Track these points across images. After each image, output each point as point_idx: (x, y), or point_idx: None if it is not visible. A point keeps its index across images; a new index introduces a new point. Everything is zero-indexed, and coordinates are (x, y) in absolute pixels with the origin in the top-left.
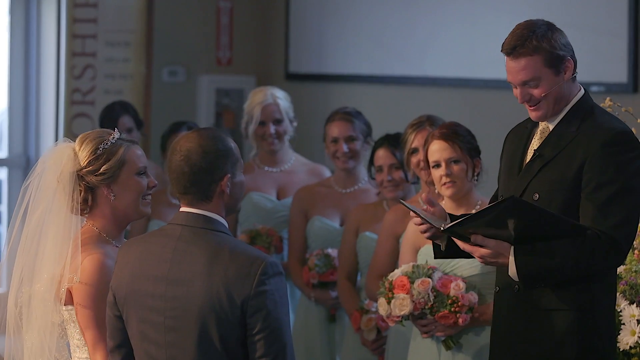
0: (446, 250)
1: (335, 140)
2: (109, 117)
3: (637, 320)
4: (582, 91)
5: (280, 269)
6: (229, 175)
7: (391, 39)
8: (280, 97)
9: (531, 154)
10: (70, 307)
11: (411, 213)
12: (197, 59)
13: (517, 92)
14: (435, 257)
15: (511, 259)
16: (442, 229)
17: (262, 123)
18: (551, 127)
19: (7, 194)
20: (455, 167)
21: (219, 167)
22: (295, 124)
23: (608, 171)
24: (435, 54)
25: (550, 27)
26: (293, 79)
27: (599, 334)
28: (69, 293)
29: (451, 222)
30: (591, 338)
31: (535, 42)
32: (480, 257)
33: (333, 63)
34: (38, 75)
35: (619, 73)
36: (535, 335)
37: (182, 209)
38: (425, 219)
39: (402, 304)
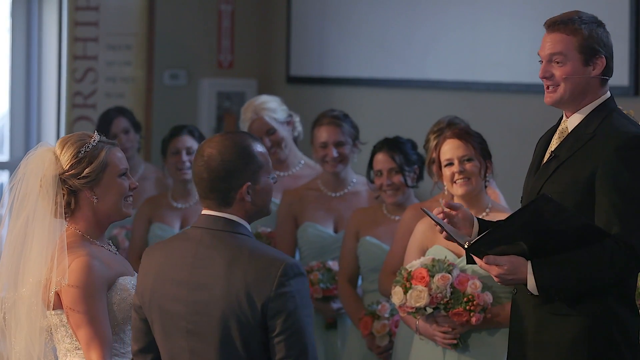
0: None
1: (324, 145)
2: (104, 120)
3: None
4: (608, 94)
5: (302, 270)
6: (249, 183)
7: (392, 42)
8: (265, 108)
9: (549, 155)
10: (59, 311)
11: (437, 227)
12: (199, 62)
13: (542, 67)
14: (467, 263)
15: (529, 272)
16: (465, 246)
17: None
18: (570, 127)
19: None
20: (468, 165)
21: (237, 175)
22: (297, 119)
23: (623, 176)
24: (436, 57)
25: (597, 22)
26: (294, 82)
27: (613, 343)
28: (58, 296)
29: (476, 235)
30: (602, 346)
31: (578, 25)
32: (496, 277)
33: (334, 66)
34: (39, 78)
35: (621, 76)
36: (547, 340)
37: (204, 211)
38: (449, 234)
39: (419, 296)
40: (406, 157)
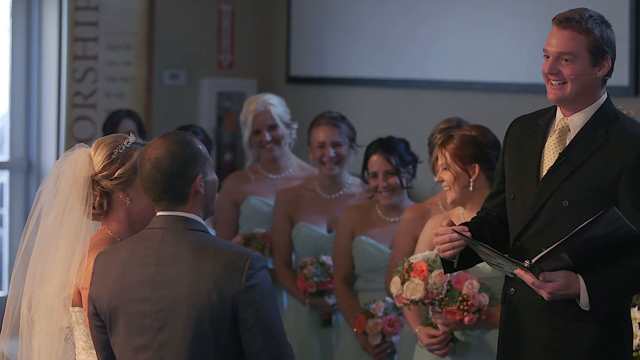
0: (457, 266)
1: (322, 145)
2: (112, 120)
3: (639, 323)
4: (606, 95)
5: (265, 263)
6: (201, 175)
7: (392, 42)
8: (273, 103)
9: (552, 155)
10: (78, 308)
11: (480, 248)
12: (199, 62)
13: (547, 63)
14: (445, 272)
15: (582, 285)
16: (526, 266)
17: (258, 132)
18: (573, 127)
19: (8, 197)
20: (445, 175)
21: (189, 169)
22: (295, 126)
23: None
24: (436, 57)
25: (606, 23)
26: (294, 82)
27: (622, 346)
28: (79, 295)
29: (537, 255)
30: (615, 351)
31: (590, 25)
32: (549, 294)
33: (334, 66)
34: (39, 78)
35: (621, 76)
36: (558, 344)
37: (159, 213)
38: (496, 253)
39: (414, 289)
40: (401, 158)
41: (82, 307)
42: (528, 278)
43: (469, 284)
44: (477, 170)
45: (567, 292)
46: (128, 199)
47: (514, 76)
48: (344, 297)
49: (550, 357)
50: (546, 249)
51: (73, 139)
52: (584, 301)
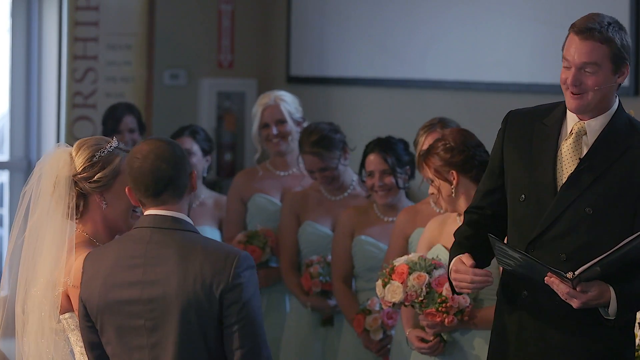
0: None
1: (310, 172)
2: (113, 115)
3: (638, 323)
4: (617, 98)
5: (252, 263)
6: (194, 170)
7: (392, 42)
8: (284, 100)
9: (570, 161)
10: (68, 314)
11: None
12: (199, 62)
13: (567, 73)
14: (452, 294)
15: (612, 295)
16: (569, 277)
17: (266, 125)
18: (590, 132)
19: (8, 197)
20: (431, 188)
21: (187, 162)
22: (305, 124)
23: None
24: (436, 57)
25: (622, 28)
26: (294, 82)
27: (634, 349)
28: (67, 299)
29: (581, 269)
30: (629, 354)
31: (611, 34)
32: (582, 303)
33: (334, 66)
34: (39, 78)
35: None
36: (572, 347)
37: (148, 211)
38: (551, 270)
39: (394, 292)
40: (398, 158)
41: (72, 311)
42: (563, 288)
43: (448, 286)
44: (455, 176)
45: (599, 302)
46: (104, 203)
47: (514, 76)
48: (344, 297)
49: (562, 358)
50: (565, 255)
51: (73, 139)
52: (612, 310)
